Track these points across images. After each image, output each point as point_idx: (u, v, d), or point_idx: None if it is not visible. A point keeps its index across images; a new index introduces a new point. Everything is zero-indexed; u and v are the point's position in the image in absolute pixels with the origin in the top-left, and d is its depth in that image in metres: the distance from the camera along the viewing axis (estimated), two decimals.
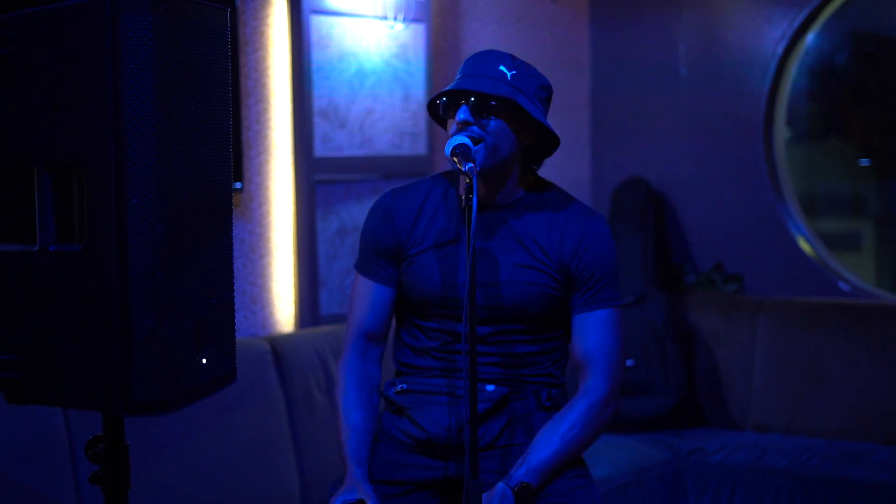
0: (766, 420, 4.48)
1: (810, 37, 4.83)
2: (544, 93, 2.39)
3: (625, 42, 5.19)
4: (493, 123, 2.31)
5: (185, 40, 1.70)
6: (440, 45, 4.44)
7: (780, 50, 4.76)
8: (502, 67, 2.33)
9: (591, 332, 2.40)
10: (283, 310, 3.92)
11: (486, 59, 2.36)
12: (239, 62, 3.72)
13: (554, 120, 5.33)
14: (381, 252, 2.47)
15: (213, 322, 1.79)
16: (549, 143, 2.45)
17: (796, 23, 4.72)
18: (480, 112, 2.30)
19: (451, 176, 2.50)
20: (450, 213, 2.44)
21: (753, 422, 4.51)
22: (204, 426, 3.35)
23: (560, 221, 2.41)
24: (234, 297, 1.86)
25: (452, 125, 2.33)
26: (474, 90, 2.29)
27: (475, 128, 2.30)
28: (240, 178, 3.71)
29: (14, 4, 1.84)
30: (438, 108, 2.41)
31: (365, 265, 2.50)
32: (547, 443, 2.33)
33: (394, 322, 2.56)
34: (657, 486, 4.10)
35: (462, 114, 2.30)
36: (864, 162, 5.22)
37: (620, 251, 4.84)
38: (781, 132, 4.91)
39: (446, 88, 2.34)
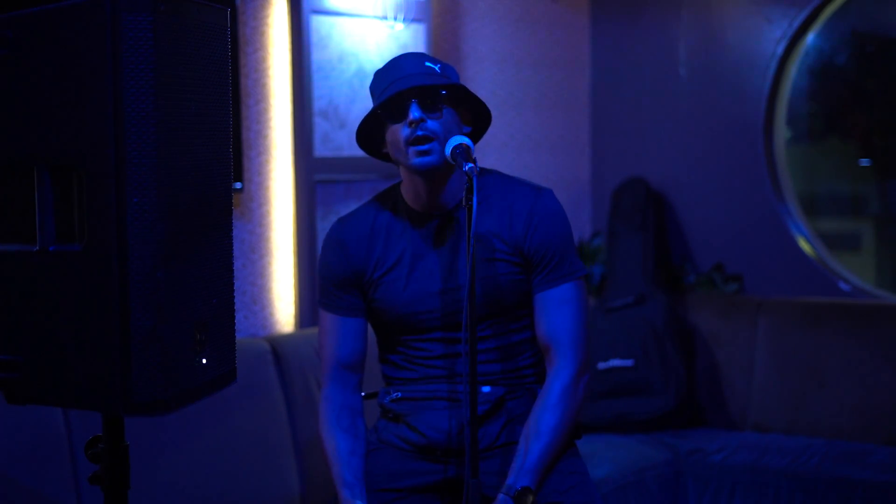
0: (766, 420, 4.48)
1: (810, 37, 4.83)
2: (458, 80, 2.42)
3: (625, 42, 5.19)
4: (445, 115, 2.31)
5: (185, 40, 1.70)
6: (440, 45, 4.44)
7: (780, 50, 4.76)
8: (428, 63, 2.35)
9: (552, 311, 2.39)
10: (283, 310, 3.92)
11: (409, 61, 2.36)
12: (239, 62, 3.72)
13: (554, 120, 5.36)
14: (342, 284, 2.44)
15: (213, 322, 1.79)
16: (478, 127, 2.46)
17: (796, 23, 4.72)
18: (431, 107, 2.30)
19: (393, 190, 2.49)
20: (404, 227, 2.42)
21: (753, 422, 4.51)
22: (204, 426, 3.35)
23: (507, 205, 2.41)
24: (234, 297, 1.86)
25: (402, 129, 2.31)
26: (422, 86, 2.28)
27: (430, 123, 2.29)
28: (240, 178, 3.71)
29: (14, 4, 1.84)
30: (369, 123, 2.36)
31: (328, 300, 2.47)
32: (534, 439, 2.33)
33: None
34: (657, 486, 4.10)
35: (414, 112, 2.28)
36: (864, 162, 5.22)
37: (620, 251, 4.85)
38: (781, 132, 4.91)
39: (388, 93, 2.30)
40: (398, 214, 2.44)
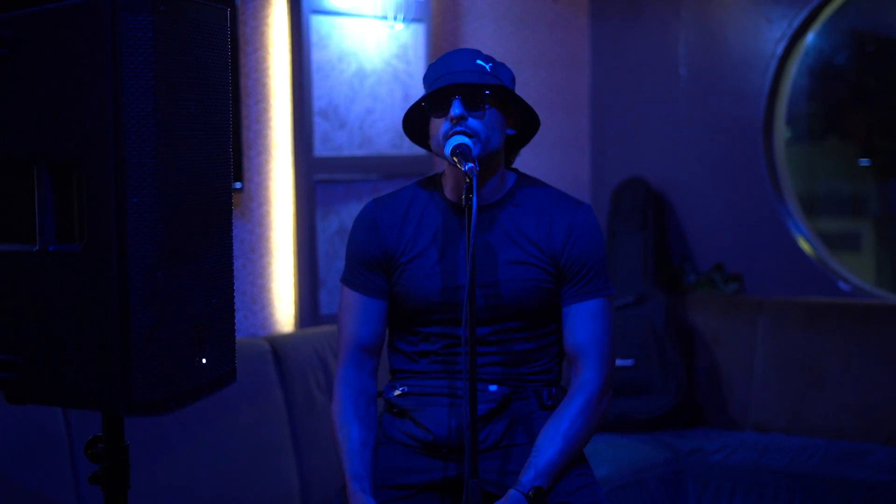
0: (766, 420, 4.48)
1: (810, 37, 4.83)
2: (514, 83, 2.43)
3: (625, 42, 5.19)
4: (488, 115, 2.32)
5: (185, 40, 1.70)
6: (440, 45, 4.44)
7: (780, 50, 4.76)
8: (479, 62, 2.35)
9: (582, 323, 2.39)
10: (283, 310, 3.92)
11: (461, 56, 2.37)
12: (239, 62, 3.72)
13: (554, 120, 5.36)
14: (369, 263, 2.44)
15: (213, 322, 1.79)
16: (525, 132, 2.48)
17: (796, 23, 4.72)
18: (474, 105, 2.31)
19: (435, 179, 2.49)
20: (437, 216, 2.42)
21: (753, 422, 4.51)
22: (204, 426, 3.35)
23: (547, 214, 2.42)
24: (234, 297, 1.86)
25: (443, 123, 2.32)
26: (466, 83, 2.29)
27: (471, 121, 2.30)
28: (240, 178, 3.71)
29: (14, 4, 1.84)
30: (417, 113, 2.38)
31: (353, 278, 2.46)
32: (551, 443, 2.33)
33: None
34: (657, 486, 4.10)
35: (457, 108, 2.29)
36: (864, 162, 5.22)
37: (620, 251, 4.85)
38: (781, 132, 4.91)
39: (434, 87, 2.32)
40: (434, 202, 2.44)
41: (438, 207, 2.43)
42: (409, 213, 2.44)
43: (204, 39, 1.75)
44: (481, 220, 2.39)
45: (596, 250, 2.42)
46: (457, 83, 2.29)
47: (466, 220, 2.17)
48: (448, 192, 2.44)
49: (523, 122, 2.45)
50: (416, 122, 2.43)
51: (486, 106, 2.32)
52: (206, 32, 1.75)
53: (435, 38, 4.40)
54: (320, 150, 3.95)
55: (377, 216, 2.45)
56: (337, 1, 3.98)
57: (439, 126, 2.33)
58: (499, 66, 2.39)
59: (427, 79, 2.39)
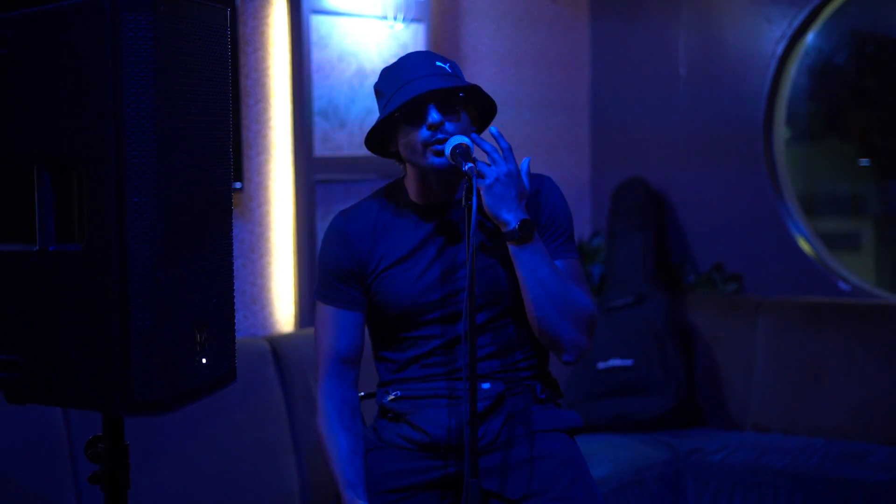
0: (766, 420, 4.48)
1: (810, 37, 4.83)
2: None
3: (625, 42, 5.19)
4: (462, 116, 2.32)
5: (185, 40, 1.70)
6: (440, 45, 4.44)
7: (780, 50, 4.76)
8: (439, 63, 2.34)
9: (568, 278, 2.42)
10: (283, 310, 3.92)
11: (420, 61, 2.35)
12: (239, 62, 3.72)
13: (554, 120, 5.35)
14: (343, 276, 2.43)
15: (213, 322, 1.79)
16: (480, 125, 2.48)
17: (796, 23, 4.72)
18: (449, 109, 2.30)
19: (398, 185, 2.48)
20: (409, 220, 2.42)
21: (753, 422, 4.51)
22: (204, 426, 3.35)
23: None
24: (234, 296, 1.86)
25: (418, 131, 2.30)
26: (440, 88, 2.28)
27: (447, 125, 2.29)
28: (240, 178, 3.71)
29: (14, 4, 1.84)
30: (383, 129, 2.36)
31: (328, 292, 2.45)
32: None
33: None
34: (657, 486, 4.10)
35: (434, 115, 2.28)
36: (864, 162, 5.22)
37: (620, 251, 4.86)
38: (781, 132, 4.91)
39: (408, 96, 2.27)
40: (403, 208, 2.44)
41: (407, 213, 2.43)
42: (378, 221, 2.43)
43: (204, 39, 1.75)
44: (450, 220, 2.41)
45: (567, 210, 2.46)
46: (433, 89, 2.27)
47: (466, 220, 2.17)
48: (415, 197, 2.43)
49: (479, 115, 2.45)
50: (377, 129, 2.39)
51: (458, 109, 2.32)
52: (206, 32, 1.75)
53: (435, 38, 4.40)
54: (320, 150, 3.95)
55: (347, 228, 2.44)
56: (337, 1, 3.98)
57: (414, 134, 2.31)
58: (454, 65, 2.38)
59: (387, 87, 2.35)
